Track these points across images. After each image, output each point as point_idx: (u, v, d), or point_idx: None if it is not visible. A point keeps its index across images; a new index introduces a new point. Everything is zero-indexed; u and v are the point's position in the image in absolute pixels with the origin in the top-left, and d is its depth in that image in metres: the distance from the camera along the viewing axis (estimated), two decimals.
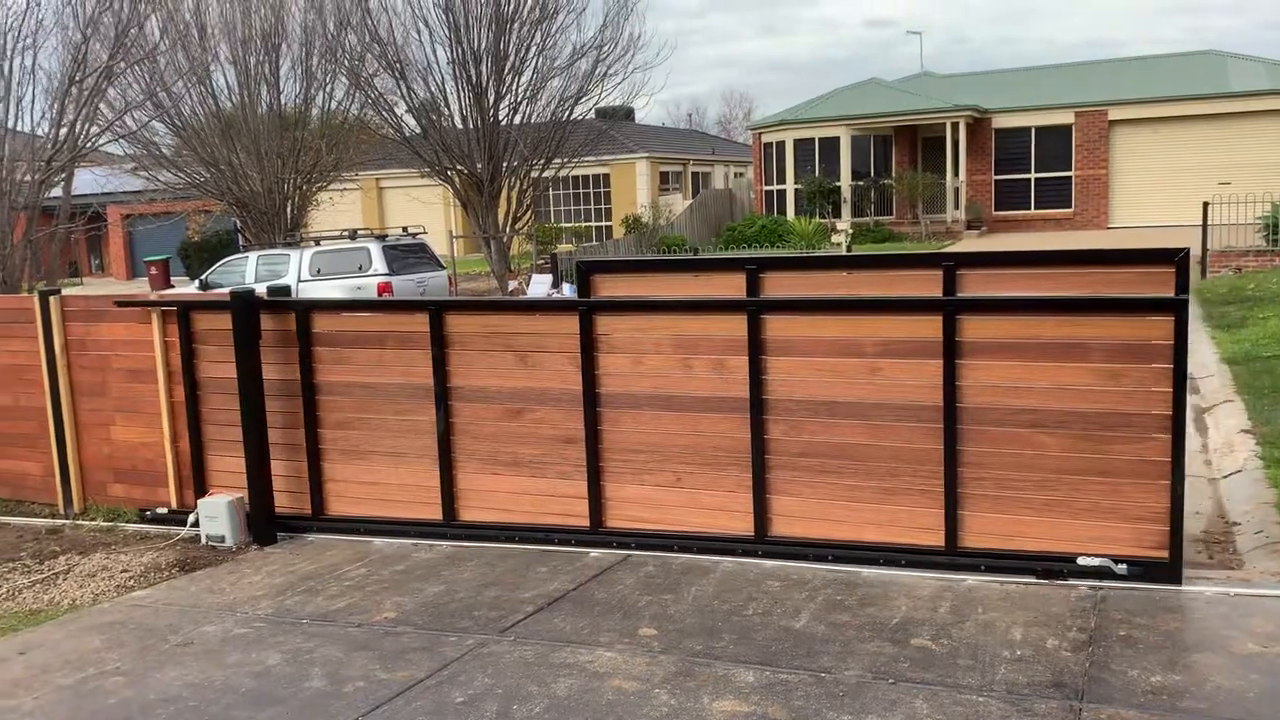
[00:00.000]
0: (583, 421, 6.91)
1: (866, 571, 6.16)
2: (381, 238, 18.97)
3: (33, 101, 17.34)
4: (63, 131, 15.87)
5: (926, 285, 6.22)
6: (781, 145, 33.39)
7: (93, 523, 8.39)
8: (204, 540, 7.58)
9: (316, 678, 5.15)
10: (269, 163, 21.92)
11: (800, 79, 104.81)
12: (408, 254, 18.91)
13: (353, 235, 18.85)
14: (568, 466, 7.00)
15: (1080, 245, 26.28)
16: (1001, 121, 31.95)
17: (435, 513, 7.35)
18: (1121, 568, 5.75)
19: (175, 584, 6.80)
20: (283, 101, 22.63)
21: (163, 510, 8.22)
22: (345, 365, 7.59)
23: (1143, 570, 5.72)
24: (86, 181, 25.14)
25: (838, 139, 32.08)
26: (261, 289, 7.88)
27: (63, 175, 17.04)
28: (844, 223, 27.89)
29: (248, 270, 18.24)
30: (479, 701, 4.78)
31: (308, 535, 7.63)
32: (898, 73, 39.18)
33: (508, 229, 23.85)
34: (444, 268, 20.27)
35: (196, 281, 19.91)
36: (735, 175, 44.72)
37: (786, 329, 6.45)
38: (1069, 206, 31.53)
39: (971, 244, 29.04)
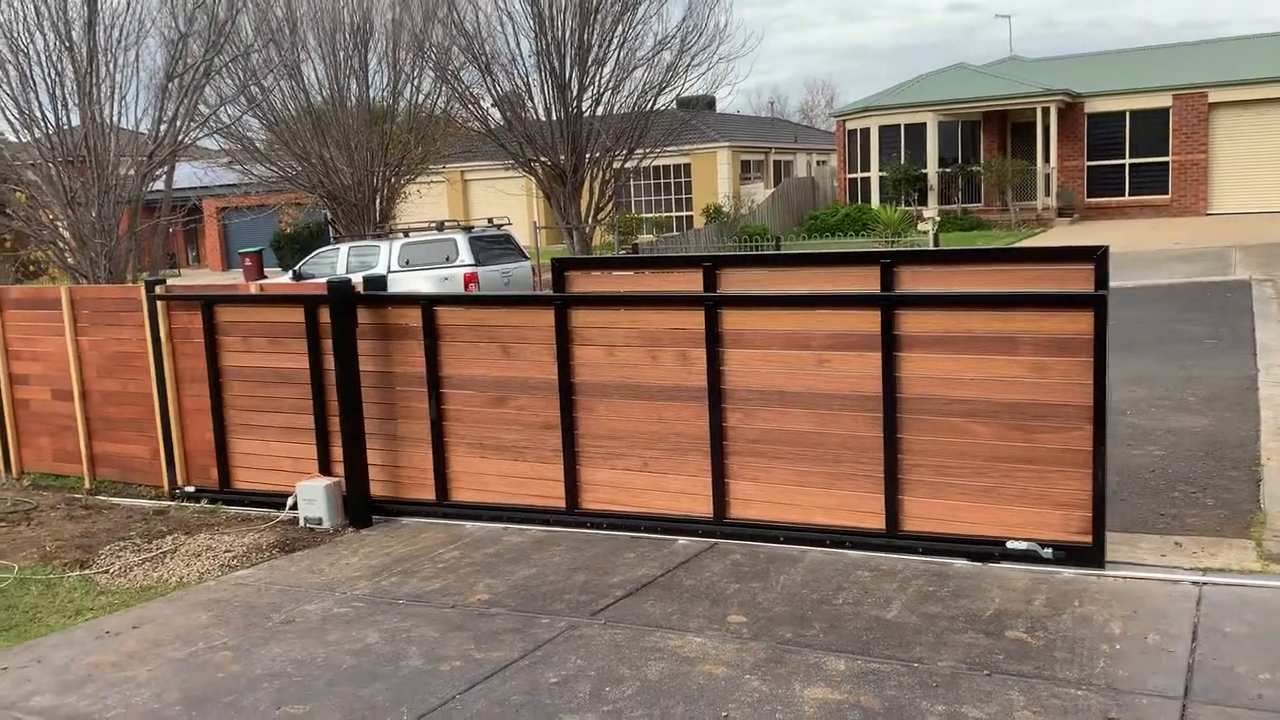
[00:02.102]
0: (559, 409, 7.28)
1: (959, 563, 6.09)
2: (468, 229, 19.22)
3: (136, 98, 17.97)
4: (163, 127, 16.44)
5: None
6: (866, 132, 32.95)
7: (196, 504, 8.71)
8: (302, 522, 7.81)
9: (414, 656, 5.28)
10: (359, 156, 22.39)
11: (882, 66, 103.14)
12: (493, 245, 19.14)
13: (440, 227, 19.14)
14: (547, 451, 7.39)
15: (1178, 232, 25.43)
16: (1095, 106, 31.07)
17: (430, 494, 7.85)
18: (1047, 551, 5.97)
19: (276, 564, 7.03)
20: (371, 95, 23.09)
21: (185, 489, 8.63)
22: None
23: (1067, 554, 5.94)
24: (184, 175, 25.96)
25: (924, 125, 31.53)
26: (357, 279, 8.08)
27: (163, 170, 17.65)
28: (930, 210, 27.37)
29: (339, 262, 18.65)
30: (572, 682, 4.85)
31: (400, 519, 7.82)
32: (983, 58, 38.37)
33: (590, 219, 24.00)
34: (528, 258, 20.47)
35: (290, 272, 20.42)
36: (818, 163, 44.28)
37: (741, 323, 6.77)
38: (1165, 193, 30.54)
39: (1062, 232, 28.33)
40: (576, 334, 7.23)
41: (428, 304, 7.75)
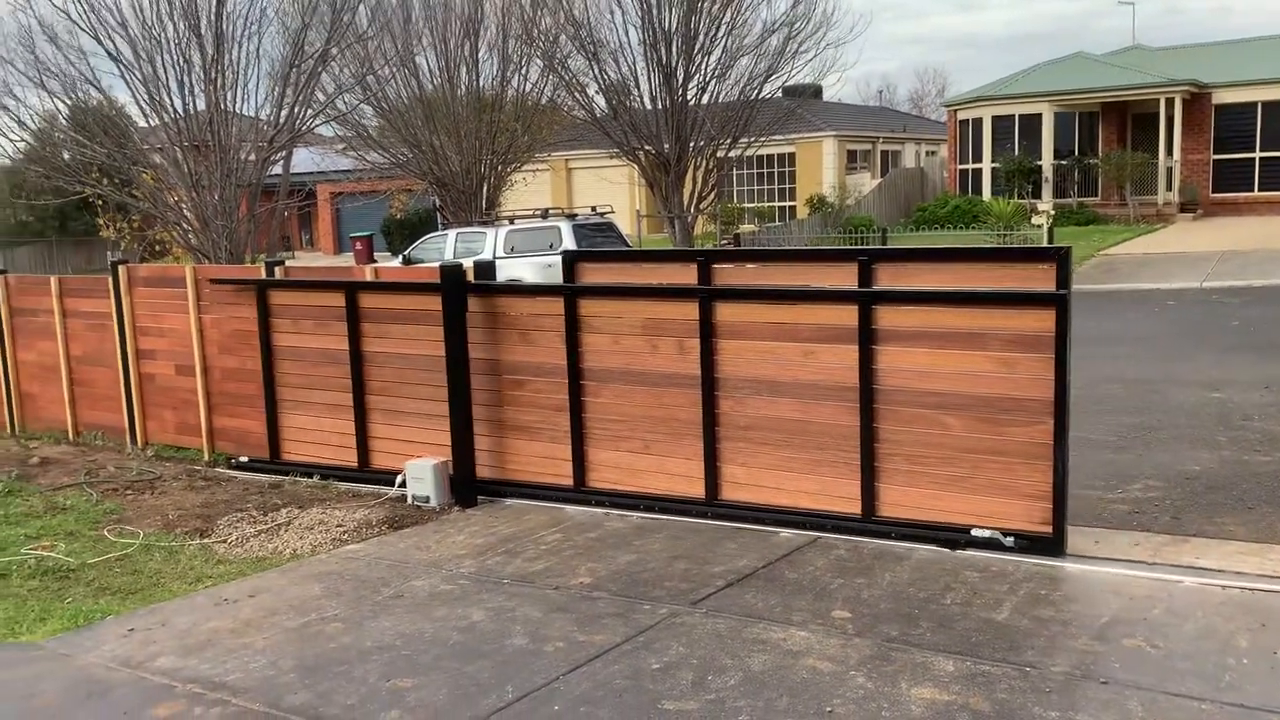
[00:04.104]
0: (568, 393, 7.66)
1: (1070, 566, 5.91)
2: (571, 217, 19.37)
3: (257, 86, 18.58)
4: (282, 114, 16.96)
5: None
6: (979, 122, 32.11)
7: (309, 479, 8.97)
8: (410, 500, 7.99)
9: (518, 635, 5.35)
10: (467, 144, 22.74)
11: (994, 55, 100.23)
12: (595, 233, 19.25)
13: (544, 214, 19.34)
14: (558, 432, 7.80)
15: None
16: (1222, 97, 29.70)
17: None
18: (1010, 540, 6.19)
19: (385, 540, 7.20)
20: (480, 84, 23.41)
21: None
22: None
23: (1029, 543, 6.15)
24: (300, 161, 26.73)
25: (1039, 116, 30.58)
26: (468, 264, 8.20)
27: (281, 155, 18.23)
28: (1045, 203, 26.50)
29: (447, 247, 18.99)
30: (674, 670, 4.85)
31: (505, 500, 7.94)
32: (1101, 46, 37.15)
33: (692, 208, 23.95)
34: (630, 246, 20.55)
35: (400, 257, 20.87)
36: (927, 154, 43.32)
37: (734, 315, 7.07)
38: None
39: (1184, 228, 27.21)
40: (585, 322, 7.58)
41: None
